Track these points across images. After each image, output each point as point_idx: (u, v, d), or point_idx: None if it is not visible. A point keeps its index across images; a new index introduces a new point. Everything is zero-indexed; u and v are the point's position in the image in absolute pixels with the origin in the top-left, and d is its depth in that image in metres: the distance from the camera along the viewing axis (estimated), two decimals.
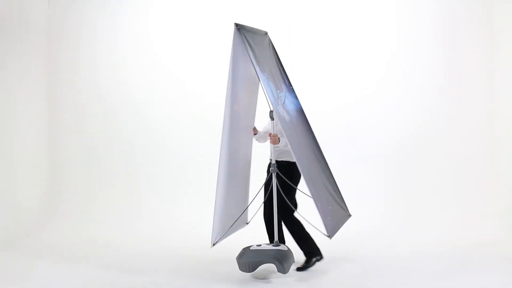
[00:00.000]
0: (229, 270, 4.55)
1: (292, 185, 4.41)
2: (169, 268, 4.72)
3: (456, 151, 6.21)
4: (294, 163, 4.22)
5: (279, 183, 4.30)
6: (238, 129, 4.26)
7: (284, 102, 4.27)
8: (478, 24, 6.18)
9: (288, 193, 4.38)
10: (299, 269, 4.47)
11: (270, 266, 4.38)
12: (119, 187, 6.47)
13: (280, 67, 4.47)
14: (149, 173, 6.48)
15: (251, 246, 4.31)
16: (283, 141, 4.33)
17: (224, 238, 4.29)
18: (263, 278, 4.32)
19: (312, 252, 4.54)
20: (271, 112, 4.23)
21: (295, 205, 4.52)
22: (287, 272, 4.18)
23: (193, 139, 6.31)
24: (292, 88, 4.41)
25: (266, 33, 4.52)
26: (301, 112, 4.45)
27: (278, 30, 5.97)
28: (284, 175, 4.33)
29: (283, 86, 4.34)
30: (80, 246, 5.49)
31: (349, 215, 4.58)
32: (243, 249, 4.31)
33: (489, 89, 6.19)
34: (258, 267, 4.22)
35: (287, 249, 4.30)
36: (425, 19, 6.28)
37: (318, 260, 4.55)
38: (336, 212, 4.35)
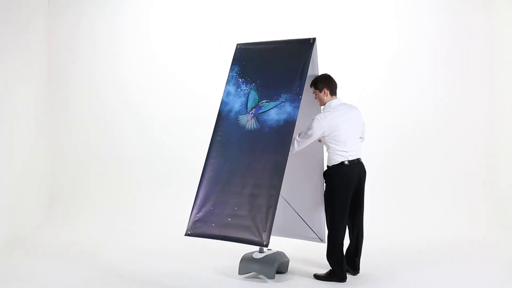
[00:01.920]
0: (231, 270, 4.57)
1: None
2: (169, 268, 4.72)
3: (456, 150, 6.21)
4: (332, 167, 4.27)
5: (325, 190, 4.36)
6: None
7: (264, 112, 4.33)
8: (478, 23, 6.18)
9: (327, 202, 4.32)
10: (315, 276, 4.39)
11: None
12: (119, 187, 6.47)
13: (292, 76, 4.38)
14: (149, 173, 6.49)
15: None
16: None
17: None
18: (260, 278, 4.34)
19: (334, 273, 4.30)
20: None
21: (339, 217, 4.26)
22: (239, 274, 4.34)
23: (193, 139, 6.31)
24: (299, 98, 4.27)
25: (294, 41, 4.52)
26: (290, 124, 4.23)
27: (278, 32, 6.00)
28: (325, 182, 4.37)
29: (285, 95, 4.33)
30: (80, 246, 5.49)
31: (265, 245, 3.99)
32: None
33: (489, 89, 6.19)
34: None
35: (260, 257, 4.31)
36: (425, 18, 6.28)
37: (334, 281, 4.29)
38: (237, 223, 4.12)
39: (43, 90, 6.43)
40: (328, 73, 4.42)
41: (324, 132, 4.23)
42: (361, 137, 4.46)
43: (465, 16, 6.20)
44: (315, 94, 4.41)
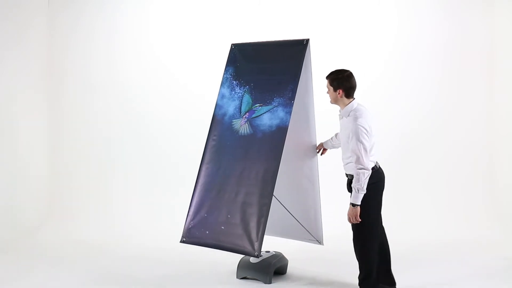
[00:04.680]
0: (230, 270, 4.57)
1: None
2: (169, 269, 4.73)
3: (455, 150, 6.21)
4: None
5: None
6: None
7: (257, 116, 4.29)
8: (479, 22, 6.18)
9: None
10: None
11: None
12: (119, 188, 6.46)
13: (285, 79, 4.28)
14: (148, 174, 6.47)
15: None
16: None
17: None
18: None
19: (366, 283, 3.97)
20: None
21: (370, 227, 3.91)
22: (237, 277, 4.39)
23: (193, 139, 6.28)
24: (291, 103, 4.18)
25: (296, 42, 4.34)
26: (282, 130, 4.15)
27: (276, 32, 5.99)
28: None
29: (278, 99, 4.27)
30: (79, 247, 5.50)
31: (257, 255, 4.02)
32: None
33: (489, 87, 6.19)
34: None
35: (257, 261, 4.30)
36: (424, 17, 6.27)
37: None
38: (230, 232, 4.11)
39: (42, 90, 6.42)
40: (350, 71, 4.02)
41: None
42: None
43: (465, 16, 6.19)
44: (327, 88, 4.03)
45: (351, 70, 4.06)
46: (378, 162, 3.97)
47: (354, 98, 3.98)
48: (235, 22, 6.33)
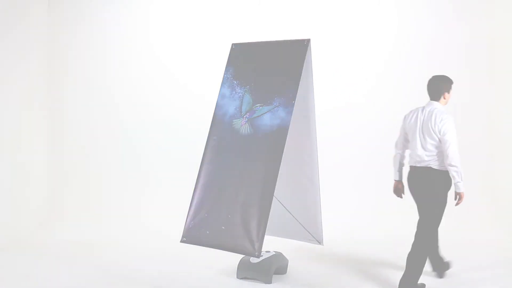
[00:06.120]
0: (230, 270, 4.57)
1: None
2: (169, 269, 4.73)
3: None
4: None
5: None
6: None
7: (258, 116, 4.29)
8: (478, 21, 6.18)
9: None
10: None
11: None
12: (119, 187, 6.46)
13: (286, 79, 4.30)
14: (148, 174, 6.48)
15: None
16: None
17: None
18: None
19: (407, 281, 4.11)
20: None
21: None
22: (237, 277, 4.40)
23: (193, 138, 6.27)
24: (292, 103, 4.20)
25: (297, 42, 4.39)
26: (283, 130, 4.17)
27: (277, 31, 5.98)
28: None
29: (278, 99, 4.27)
30: (79, 246, 5.50)
31: (257, 255, 4.04)
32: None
33: (490, 89, 6.18)
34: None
35: (257, 261, 4.32)
36: (424, 17, 6.27)
37: None
38: (230, 232, 4.14)
39: (42, 90, 6.42)
40: (439, 75, 4.49)
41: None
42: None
43: (465, 16, 6.19)
44: None
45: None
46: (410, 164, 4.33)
47: (432, 101, 4.50)
48: (235, 22, 6.33)
